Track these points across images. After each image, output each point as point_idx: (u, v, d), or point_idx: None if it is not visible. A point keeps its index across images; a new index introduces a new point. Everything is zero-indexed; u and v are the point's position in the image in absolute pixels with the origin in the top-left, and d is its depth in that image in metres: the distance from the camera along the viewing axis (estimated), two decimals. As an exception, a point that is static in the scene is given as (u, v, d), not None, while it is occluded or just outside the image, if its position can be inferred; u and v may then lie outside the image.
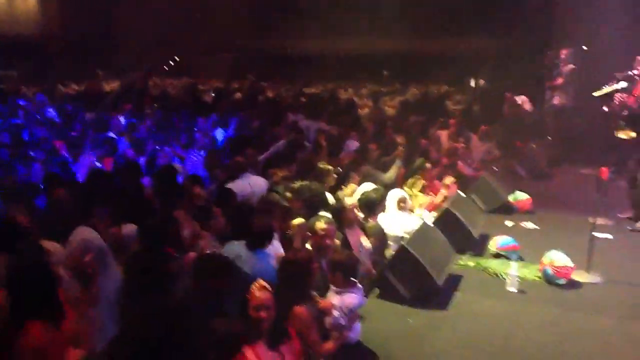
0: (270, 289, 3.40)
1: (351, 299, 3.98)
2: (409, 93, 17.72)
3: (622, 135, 7.04)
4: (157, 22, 22.92)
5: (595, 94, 5.66)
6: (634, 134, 6.89)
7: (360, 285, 4.17)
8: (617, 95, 6.38)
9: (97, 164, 7.02)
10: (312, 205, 5.33)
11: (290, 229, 4.75)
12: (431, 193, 7.26)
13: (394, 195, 6.23)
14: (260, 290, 3.37)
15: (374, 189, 5.76)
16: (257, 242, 4.27)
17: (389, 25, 21.26)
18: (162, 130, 9.26)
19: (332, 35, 23.95)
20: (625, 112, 6.62)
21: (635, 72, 6.71)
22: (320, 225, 4.38)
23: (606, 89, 5.54)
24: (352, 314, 3.97)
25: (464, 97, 16.74)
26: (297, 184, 5.44)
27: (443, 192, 7.07)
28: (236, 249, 4.23)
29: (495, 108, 12.24)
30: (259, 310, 3.31)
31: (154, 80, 22.74)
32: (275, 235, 4.59)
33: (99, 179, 5.57)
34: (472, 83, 21.47)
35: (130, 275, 3.73)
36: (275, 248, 4.56)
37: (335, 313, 3.89)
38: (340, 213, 5.14)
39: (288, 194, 5.40)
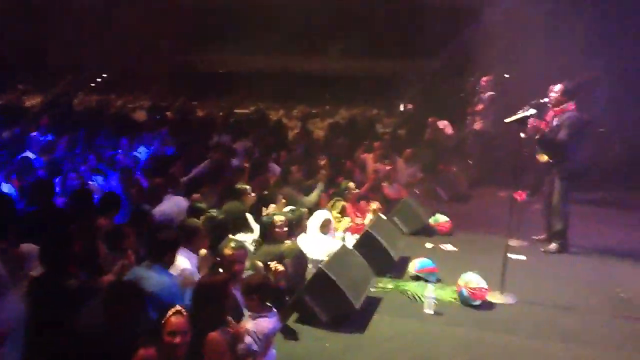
0: (185, 313, 3.31)
1: (266, 323, 3.90)
2: (338, 115, 17.92)
3: (541, 159, 7.37)
4: (85, 38, 22.29)
5: (507, 120, 5.90)
6: (545, 158, 7.23)
7: (275, 310, 4.11)
8: (530, 121, 6.67)
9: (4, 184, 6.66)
10: (233, 225, 5.30)
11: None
12: (357, 215, 7.32)
13: (317, 217, 6.24)
14: (175, 315, 3.27)
15: (291, 210, 5.75)
16: (158, 255, 4.12)
17: (323, 46, 21.57)
18: (82, 148, 8.94)
19: (265, 55, 23.97)
20: (537, 137, 6.95)
21: (547, 99, 7.08)
22: (228, 251, 4.30)
23: (517, 116, 5.78)
24: (267, 339, 3.89)
25: (393, 120, 17.11)
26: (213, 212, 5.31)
27: (370, 216, 7.13)
28: (137, 272, 4.10)
29: (420, 132, 12.59)
30: (174, 335, 3.23)
31: (79, 97, 22.02)
32: (191, 255, 4.50)
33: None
34: (402, 107, 22.06)
35: (31, 300, 3.56)
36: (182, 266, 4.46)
37: (248, 339, 3.80)
38: (268, 229, 5.14)
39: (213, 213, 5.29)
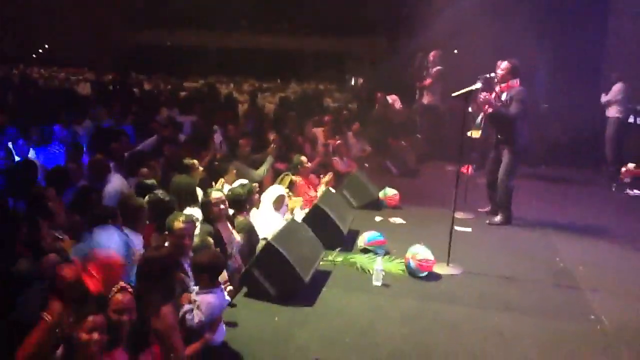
0: (130, 290, 3.23)
1: (211, 298, 3.88)
2: (289, 90, 17.83)
3: (473, 135, 7.53)
4: (30, 12, 21.36)
5: (454, 94, 5.97)
6: (478, 135, 7.38)
7: (222, 286, 4.09)
8: (482, 94, 6.78)
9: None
10: (182, 199, 5.21)
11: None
12: (310, 188, 7.32)
13: (272, 192, 6.21)
14: (121, 292, 3.19)
15: (241, 185, 5.70)
16: (99, 221, 4.02)
17: (272, 22, 21.32)
18: (21, 121, 8.56)
19: (216, 30, 23.56)
20: (490, 110, 7.06)
21: (493, 74, 7.20)
22: (178, 224, 4.22)
23: (463, 90, 5.86)
24: (213, 315, 3.87)
25: (343, 95, 17.14)
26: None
27: (322, 188, 7.14)
28: (81, 246, 3.96)
29: (370, 107, 12.65)
30: (121, 313, 3.14)
31: (19, 69, 21.19)
32: (134, 235, 4.41)
33: None
34: (353, 81, 22.12)
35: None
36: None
37: (187, 306, 3.79)
38: (206, 207, 5.04)
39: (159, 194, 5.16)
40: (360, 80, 19.56)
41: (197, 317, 3.77)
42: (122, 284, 3.25)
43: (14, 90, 13.65)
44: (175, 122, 9.14)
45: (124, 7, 23.88)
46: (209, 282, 3.95)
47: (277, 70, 22.01)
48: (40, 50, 25.12)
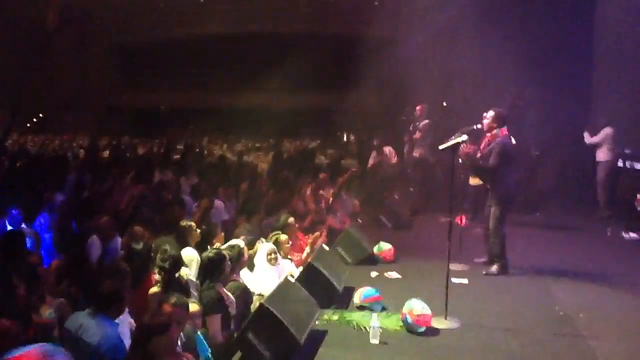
0: None
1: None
2: (283, 148, 18.00)
3: (473, 182, 7.56)
4: (22, 76, 21.72)
5: (441, 147, 6.03)
6: (479, 181, 7.43)
7: None
8: (462, 147, 6.85)
9: None
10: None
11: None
12: (294, 254, 7.26)
13: (262, 250, 6.17)
14: None
15: (230, 246, 5.65)
16: (103, 307, 3.95)
17: (263, 81, 21.71)
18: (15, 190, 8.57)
19: (208, 91, 23.94)
20: (468, 163, 7.13)
21: (479, 125, 7.30)
22: (167, 307, 3.82)
23: (449, 143, 5.93)
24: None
25: (334, 151, 17.30)
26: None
27: (307, 249, 7.08)
28: (79, 318, 3.91)
29: (362, 161, 12.75)
30: None
31: (12, 138, 21.33)
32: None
33: None
34: (345, 137, 22.39)
35: None
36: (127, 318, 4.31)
37: None
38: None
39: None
40: (352, 137, 19.81)
41: None
42: None
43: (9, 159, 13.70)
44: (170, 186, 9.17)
45: (113, 69, 24.37)
46: None
47: (268, 129, 22.25)
48: (35, 120, 25.38)
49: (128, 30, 23.97)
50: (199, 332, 4.37)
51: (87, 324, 3.85)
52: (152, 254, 5.26)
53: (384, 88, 12.96)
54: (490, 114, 7.26)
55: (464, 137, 5.94)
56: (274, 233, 6.66)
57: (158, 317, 3.70)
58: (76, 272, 5.16)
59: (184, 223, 6.23)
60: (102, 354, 3.67)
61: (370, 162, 12.35)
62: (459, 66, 11.44)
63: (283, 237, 6.59)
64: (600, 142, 10.28)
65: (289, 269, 6.40)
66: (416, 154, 11.66)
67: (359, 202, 10.38)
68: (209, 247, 6.20)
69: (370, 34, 16.15)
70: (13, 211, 7.22)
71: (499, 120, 7.21)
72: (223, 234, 6.46)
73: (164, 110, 24.50)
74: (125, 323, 4.30)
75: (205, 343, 4.29)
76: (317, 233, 7.51)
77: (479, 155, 7.17)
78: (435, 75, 11.87)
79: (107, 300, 4.00)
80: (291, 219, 7.20)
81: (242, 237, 6.28)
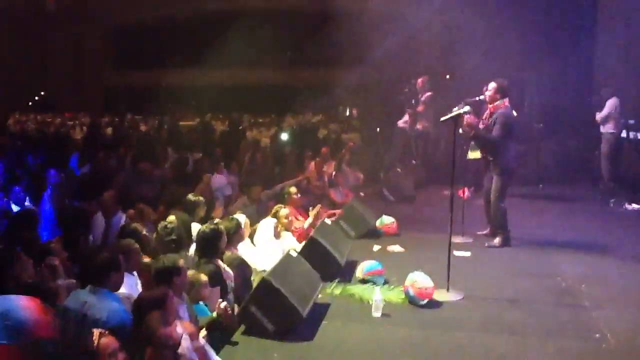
0: (107, 332, 3.21)
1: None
2: (285, 123, 17.96)
3: (472, 156, 7.52)
4: (22, 58, 21.66)
5: (442, 118, 5.98)
6: (479, 155, 7.38)
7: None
8: (466, 118, 6.80)
9: None
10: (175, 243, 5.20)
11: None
12: (298, 218, 7.29)
13: (267, 224, 6.19)
14: (103, 337, 3.14)
15: (228, 219, 5.65)
16: (99, 280, 3.96)
17: (261, 57, 21.57)
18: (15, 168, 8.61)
19: (208, 68, 23.77)
20: (472, 134, 7.07)
21: (482, 97, 7.24)
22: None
23: (451, 114, 5.88)
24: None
25: (338, 125, 17.23)
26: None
27: (309, 220, 7.10)
28: (81, 295, 3.92)
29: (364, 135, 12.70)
30: (115, 356, 3.12)
31: (15, 116, 21.33)
32: (128, 275, 4.36)
33: None
34: (347, 112, 22.28)
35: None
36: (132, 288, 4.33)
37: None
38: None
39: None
40: (354, 111, 19.69)
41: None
42: (99, 330, 3.20)
43: (11, 137, 13.72)
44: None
45: (114, 48, 24.23)
46: None
47: (271, 105, 22.19)
48: (36, 98, 25.31)
49: (126, 12, 23.80)
50: (200, 303, 4.41)
51: (91, 301, 3.85)
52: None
53: (384, 62, 12.79)
54: (492, 85, 7.19)
55: (467, 108, 5.90)
56: (277, 206, 6.68)
57: (154, 291, 3.77)
58: (74, 248, 5.16)
59: (192, 197, 6.26)
60: (111, 329, 3.68)
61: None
62: (461, 36, 11.27)
63: (283, 211, 6.59)
64: (607, 113, 10.18)
65: (291, 244, 6.42)
66: (419, 126, 11.58)
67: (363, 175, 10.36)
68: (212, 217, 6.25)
69: (371, 8, 15.96)
70: (16, 188, 7.27)
71: (501, 91, 7.14)
72: (222, 208, 6.46)
73: (165, 86, 24.35)
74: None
75: (207, 310, 4.34)
76: (319, 206, 7.52)
77: (481, 126, 7.11)
78: (437, 47, 11.70)
79: (99, 273, 3.97)
80: (292, 189, 7.21)
81: (239, 212, 6.30)
